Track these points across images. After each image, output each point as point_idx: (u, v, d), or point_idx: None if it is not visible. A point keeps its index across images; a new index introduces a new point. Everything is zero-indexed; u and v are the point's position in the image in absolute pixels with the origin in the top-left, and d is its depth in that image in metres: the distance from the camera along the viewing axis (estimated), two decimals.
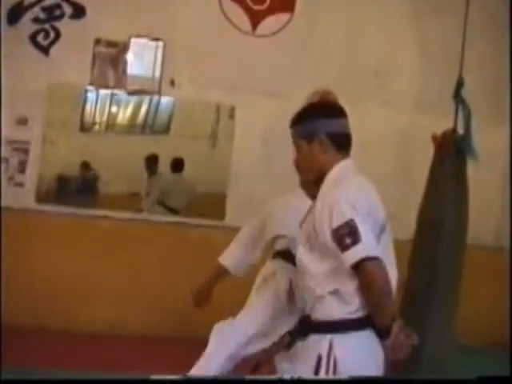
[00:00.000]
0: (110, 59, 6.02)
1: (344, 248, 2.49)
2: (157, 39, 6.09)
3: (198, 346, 3.77)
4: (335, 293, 2.57)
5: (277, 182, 5.38)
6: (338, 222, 2.50)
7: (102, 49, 5.99)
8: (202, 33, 6.23)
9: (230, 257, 4.04)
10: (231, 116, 6.51)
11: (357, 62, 6.61)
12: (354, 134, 4.95)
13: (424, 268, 4.00)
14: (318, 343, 2.57)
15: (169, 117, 6.84)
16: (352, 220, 2.49)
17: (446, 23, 6.67)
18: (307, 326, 2.67)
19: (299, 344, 2.67)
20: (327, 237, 2.54)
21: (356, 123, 5.86)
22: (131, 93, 6.30)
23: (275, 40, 6.40)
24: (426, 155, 6.52)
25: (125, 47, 6.00)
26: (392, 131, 6.66)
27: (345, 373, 2.53)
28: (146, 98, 6.57)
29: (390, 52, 6.73)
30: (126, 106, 6.71)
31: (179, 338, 5.56)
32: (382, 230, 2.62)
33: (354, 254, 2.48)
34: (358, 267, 2.48)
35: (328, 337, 2.56)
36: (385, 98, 6.71)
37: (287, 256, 3.78)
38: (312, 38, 6.48)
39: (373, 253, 2.49)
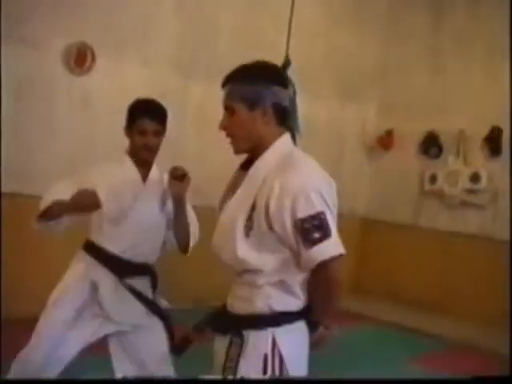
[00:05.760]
0: None
1: (311, 242, 2.23)
2: None
3: None
4: (280, 284, 2.34)
5: None
6: (305, 212, 2.24)
7: None
8: None
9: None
10: None
11: (117, 19, 6.49)
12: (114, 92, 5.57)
13: None
14: (261, 342, 2.34)
15: None
16: (322, 212, 2.24)
17: None
18: (236, 322, 2.42)
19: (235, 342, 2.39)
20: (287, 227, 2.27)
21: (116, 83, 6.20)
22: None
23: None
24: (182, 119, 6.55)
25: None
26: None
27: (289, 367, 2.34)
28: None
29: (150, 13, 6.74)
30: None
31: None
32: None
33: (323, 251, 2.24)
34: (324, 265, 2.26)
35: (270, 333, 2.34)
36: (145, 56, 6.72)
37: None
38: None
39: (341, 250, 2.28)
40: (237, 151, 2.46)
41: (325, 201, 2.27)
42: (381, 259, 7.98)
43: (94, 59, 6.24)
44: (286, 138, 2.44)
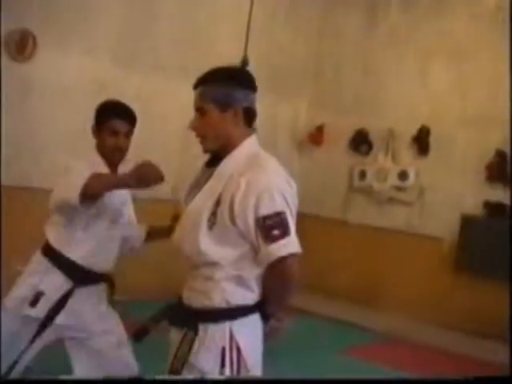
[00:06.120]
0: None
1: (270, 239, 2.34)
2: None
3: None
4: (237, 278, 2.43)
5: None
6: (267, 210, 2.35)
7: None
8: None
9: None
10: None
11: (60, 8, 6.46)
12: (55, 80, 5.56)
13: None
14: (219, 335, 2.42)
15: None
16: (283, 212, 2.36)
17: None
18: (193, 316, 2.47)
19: (190, 336, 2.45)
20: (249, 223, 2.36)
21: (57, 69, 6.19)
22: None
23: None
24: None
25: None
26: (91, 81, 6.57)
27: (246, 358, 2.43)
28: None
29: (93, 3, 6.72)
30: None
31: None
32: None
33: (282, 248, 2.35)
34: (281, 261, 2.36)
35: (227, 326, 2.42)
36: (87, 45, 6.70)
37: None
38: None
39: (298, 248, 2.39)
40: (206, 150, 2.55)
41: (286, 201, 2.39)
42: (311, 254, 8.07)
43: (35, 46, 6.11)
44: (254, 138, 2.54)
